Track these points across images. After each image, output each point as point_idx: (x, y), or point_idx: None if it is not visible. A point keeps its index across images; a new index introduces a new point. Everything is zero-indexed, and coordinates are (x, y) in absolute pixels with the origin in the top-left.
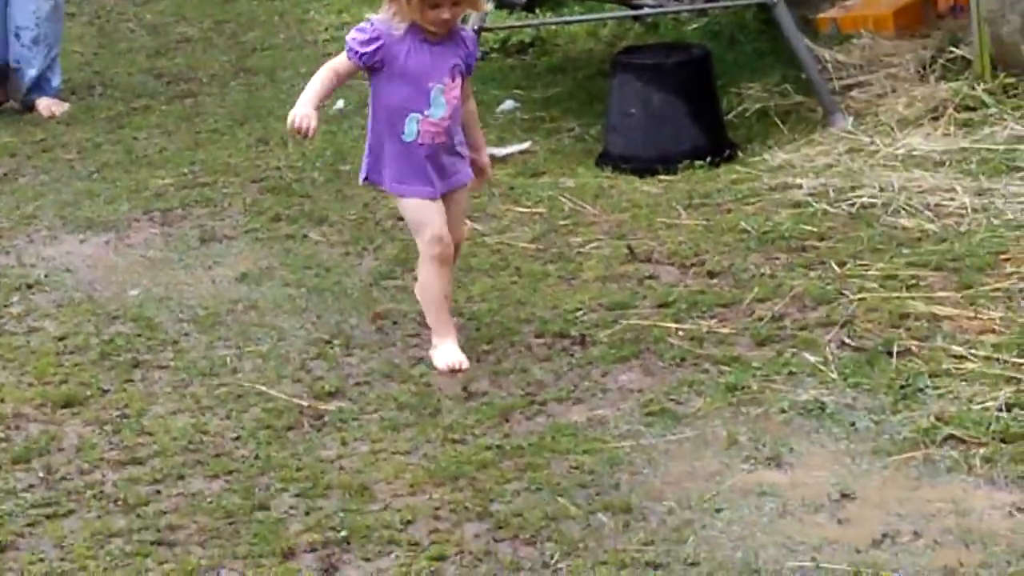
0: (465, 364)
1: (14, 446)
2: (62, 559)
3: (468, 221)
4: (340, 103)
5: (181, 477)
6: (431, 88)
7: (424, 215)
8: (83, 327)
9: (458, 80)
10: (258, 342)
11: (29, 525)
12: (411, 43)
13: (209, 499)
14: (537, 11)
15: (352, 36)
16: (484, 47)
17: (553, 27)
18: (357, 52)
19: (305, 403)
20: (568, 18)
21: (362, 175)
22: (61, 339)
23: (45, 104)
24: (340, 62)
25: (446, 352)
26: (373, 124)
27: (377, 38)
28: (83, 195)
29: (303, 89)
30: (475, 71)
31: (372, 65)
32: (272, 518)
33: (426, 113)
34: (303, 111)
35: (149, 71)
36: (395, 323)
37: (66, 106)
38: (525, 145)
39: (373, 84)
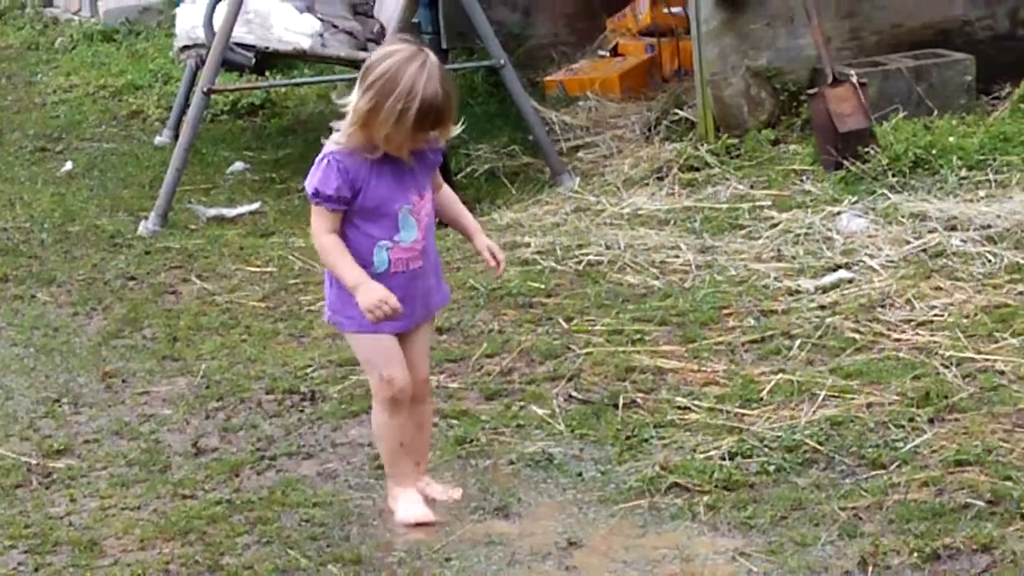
0: (431, 518)
1: None
2: None
3: (198, 280)
4: (69, 164)
5: None
6: (398, 211)
7: (382, 351)
8: None
9: (427, 194)
10: None
11: None
12: (375, 166)
13: None
14: (267, 73)
15: (317, 183)
16: (214, 108)
17: (283, 89)
18: (334, 198)
19: (34, 460)
20: (298, 80)
21: (327, 314)
22: None
23: None
24: (329, 221)
25: (407, 504)
26: None
27: (346, 171)
28: None
29: (35, 150)
30: (205, 133)
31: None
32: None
33: (395, 239)
34: (377, 293)
35: None
36: (124, 381)
37: None
38: (255, 206)
39: None
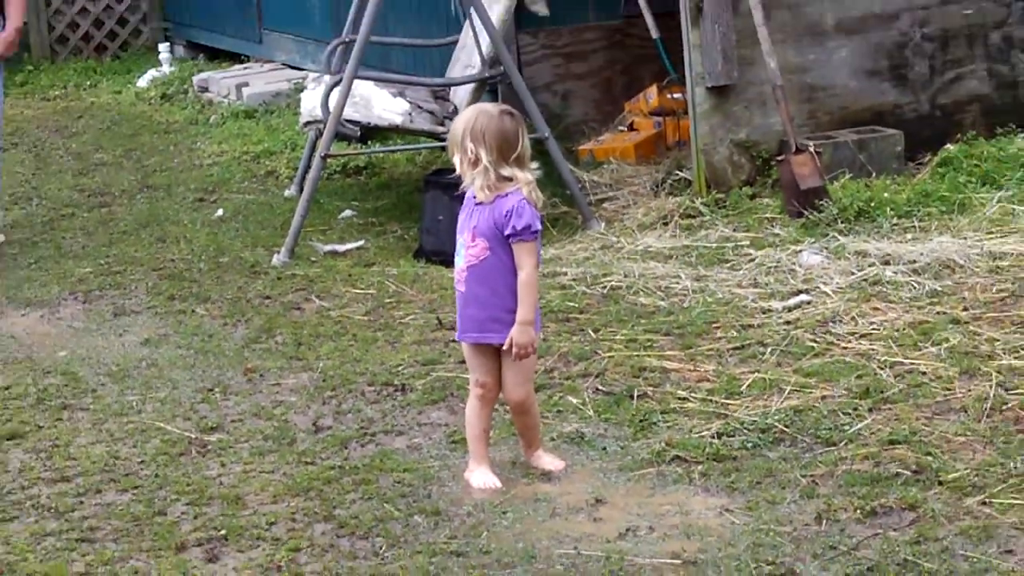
0: (498, 485)
1: None
2: (8, 553)
3: (317, 299)
4: (220, 211)
5: (99, 491)
6: (458, 241)
7: (467, 356)
8: (23, 379)
9: (478, 241)
10: (157, 390)
11: None
12: (469, 199)
13: (120, 507)
14: (369, 142)
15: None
16: (329, 169)
17: (381, 154)
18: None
19: (193, 435)
20: (392, 147)
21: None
22: (6, 388)
23: None
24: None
25: (480, 476)
26: None
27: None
28: (23, 281)
29: (195, 200)
30: (323, 188)
31: None
32: (168, 521)
33: (456, 259)
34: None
35: (74, 187)
36: (261, 376)
37: (1, 238)
38: (360, 243)
39: None
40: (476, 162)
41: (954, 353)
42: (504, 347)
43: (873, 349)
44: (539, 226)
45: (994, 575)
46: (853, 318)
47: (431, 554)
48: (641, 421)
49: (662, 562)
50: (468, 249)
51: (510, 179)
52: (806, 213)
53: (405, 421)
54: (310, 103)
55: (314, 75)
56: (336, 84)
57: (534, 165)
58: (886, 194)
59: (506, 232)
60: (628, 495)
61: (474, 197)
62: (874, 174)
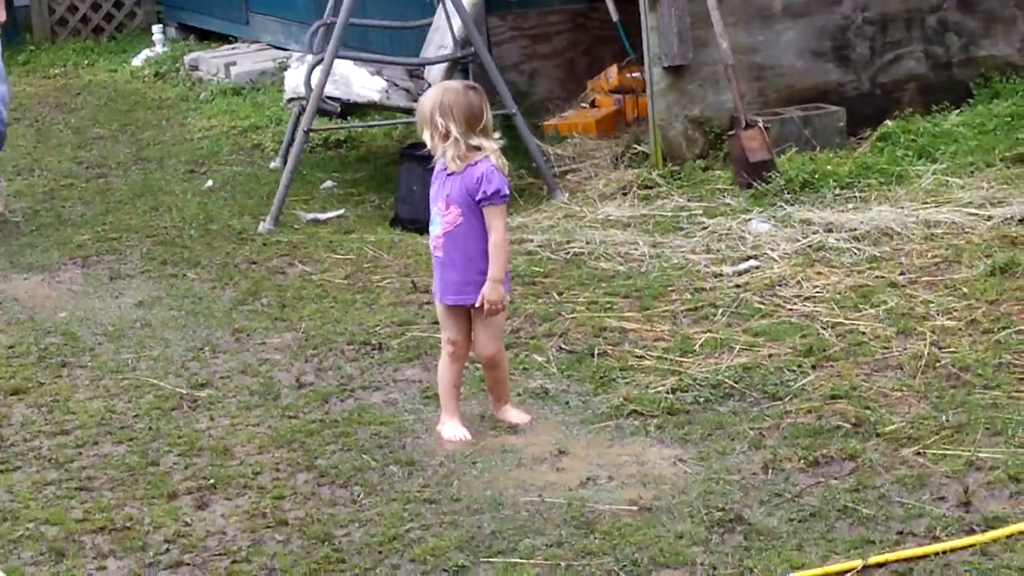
0: (468, 437)
1: None
2: (12, 501)
3: (300, 264)
4: (209, 182)
5: (96, 443)
6: (432, 210)
7: (440, 316)
8: (25, 339)
9: (452, 208)
10: (151, 348)
11: None
12: (440, 171)
13: (116, 458)
14: (348, 118)
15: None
16: (311, 143)
17: (359, 129)
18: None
19: (184, 391)
20: (370, 123)
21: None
22: (10, 347)
23: None
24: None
25: (451, 428)
26: None
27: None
28: (25, 247)
29: (186, 171)
30: (305, 160)
31: None
32: (161, 471)
33: (431, 228)
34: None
35: (73, 159)
36: (248, 335)
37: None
38: (340, 212)
39: None
40: (447, 135)
41: (891, 314)
42: (476, 304)
43: (816, 311)
44: (507, 191)
45: (927, 520)
46: (798, 282)
47: (405, 501)
48: (601, 378)
49: (620, 508)
50: (443, 216)
51: (478, 148)
52: (755, 184)
53: (382, 378)
54: (293, 81)
55: (297, 55)
56: (318, 63)
57: (497, 135)
58: (829, 167)
59: (477, 197)
60: (589, 446)
61: (445, 168)
62: (818, 148)
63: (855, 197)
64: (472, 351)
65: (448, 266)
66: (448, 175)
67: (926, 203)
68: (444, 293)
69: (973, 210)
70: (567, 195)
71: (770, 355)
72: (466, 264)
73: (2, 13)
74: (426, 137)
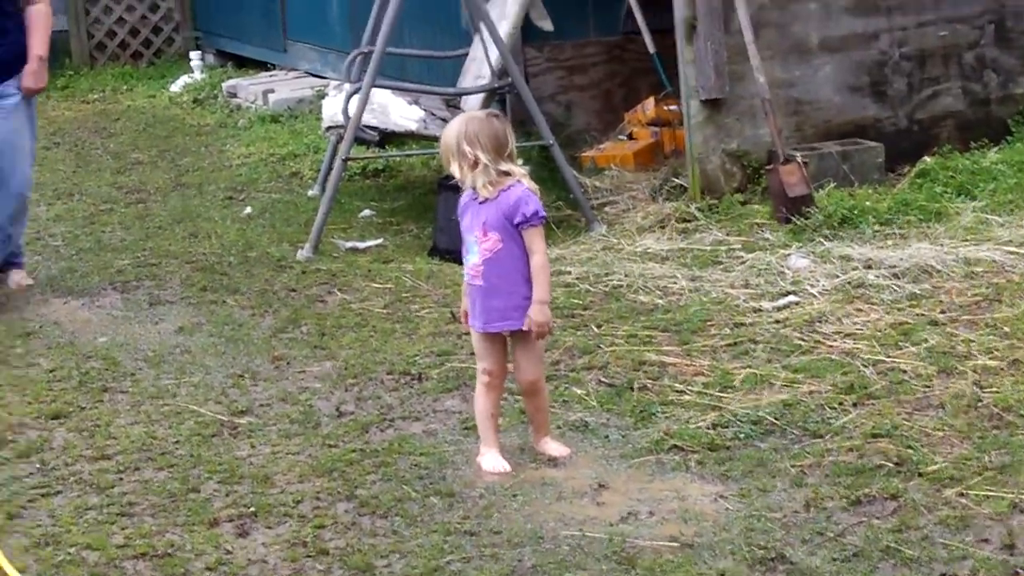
0: (508, 469)
1: (18, 446)
2: (53, 525)
3: (339, 292)
4: (248, 208)
5: (137, 468)
6: (467, 240)
7: (477, 346)
8: (66, 363)
9: (491, 234)
10: (191, 375)
11: (30, 501)
12: (470, 200)
13: (157, 484)
14: (386, 147)
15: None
16: (350, 172)
17: (397, 158)
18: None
19: (224, 418)
20: (408, 152)
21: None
22: (51, 371)
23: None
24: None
25: (491, 460)
26: None
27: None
28: (66, 271)
29: (224, 198)
30: (343, 189)
31: None
32: (202, 498)
33: (467, 258)
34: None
35: (112, 184)
36: (288, 363)
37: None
38: (379, 241)
39: None
40: (475, 163)
41: (933, 353)
42: (524, 327)
43: (857, 348)
44: (544, 212)
45: (971, 562)
46: (838, 318)
47: (446, 533)
48: (641, 412)
49: (661, 544)
50: (481, 244)
51: (508, 173)
52: (794, 219)
53: (421, 408)
54: (331, 109)
55: (335, 83)
56: (355, 92)
57: (520, 162)
58: (868, 202)
59: (516, 220)
60: (629, 481)
61: (476, 197)
62: (856, 184)
63: (894, 234)
64: (515, 378)
65: (491, 293)
66: (480, 203)
67: (966, 240)
68: (487, 321)
69: (1013, 248)
70: (605, 227)
71: (811, 392)
72: (510, 289)
73: (44, 77)
74: (454, 168)
